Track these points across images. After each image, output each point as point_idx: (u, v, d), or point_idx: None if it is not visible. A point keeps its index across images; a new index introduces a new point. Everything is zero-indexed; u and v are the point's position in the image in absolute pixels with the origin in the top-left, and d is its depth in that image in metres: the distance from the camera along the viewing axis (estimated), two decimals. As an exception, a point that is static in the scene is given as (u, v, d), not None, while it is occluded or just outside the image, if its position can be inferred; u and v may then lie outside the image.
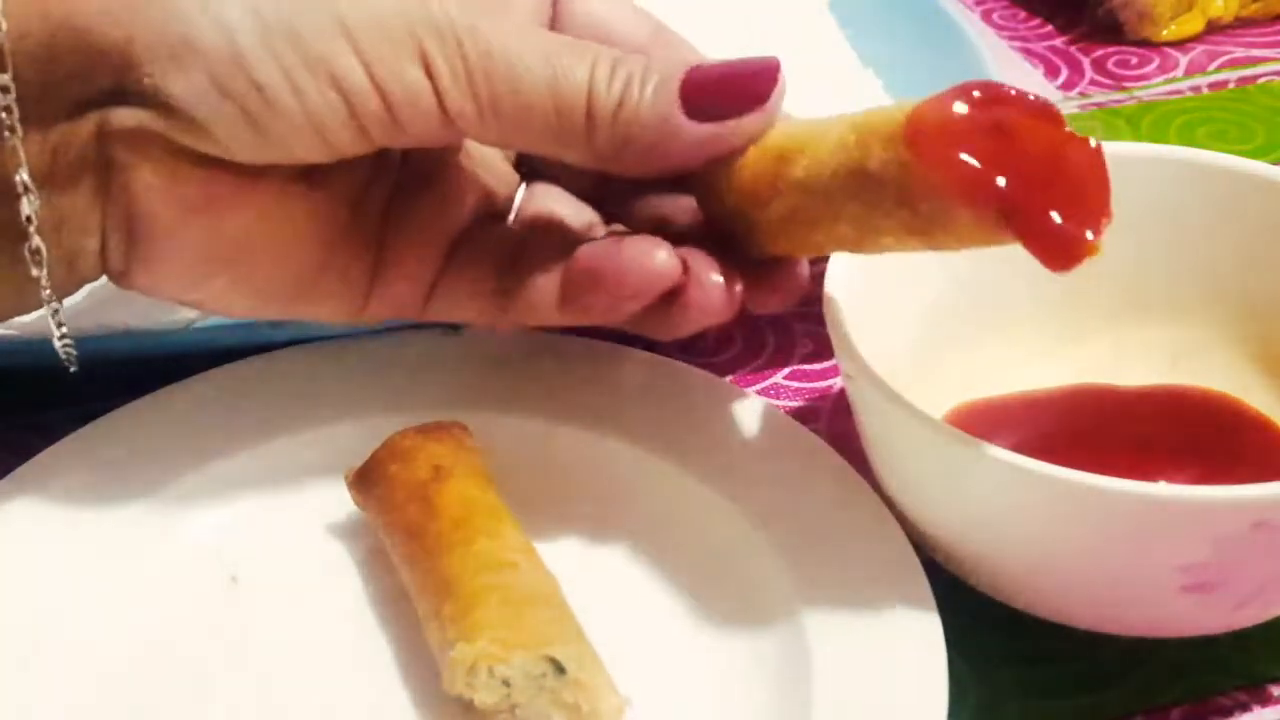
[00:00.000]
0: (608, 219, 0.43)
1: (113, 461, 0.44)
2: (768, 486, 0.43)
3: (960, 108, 0.33)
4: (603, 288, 0.39)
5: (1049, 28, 0.72)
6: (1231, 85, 0.67)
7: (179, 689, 0.40)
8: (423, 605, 0.40)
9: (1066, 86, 0.68)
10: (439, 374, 0.47)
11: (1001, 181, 0.32)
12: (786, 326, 0.54)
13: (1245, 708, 0.41)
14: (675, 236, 0.39)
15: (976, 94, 0.33)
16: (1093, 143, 0.34)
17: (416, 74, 0.36)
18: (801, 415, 0.50)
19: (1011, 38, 0.72)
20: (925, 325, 0.45)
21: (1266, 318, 0.46)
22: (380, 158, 0.40)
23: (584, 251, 0.39)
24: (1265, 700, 0.41)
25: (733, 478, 0.44)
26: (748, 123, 0.37)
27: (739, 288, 0.39)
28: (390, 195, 0.42)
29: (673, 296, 0.39)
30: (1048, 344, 0.47)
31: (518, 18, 0.41)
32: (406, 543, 0.41)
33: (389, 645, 0.42)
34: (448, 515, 0.41)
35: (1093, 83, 0.68)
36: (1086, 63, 0.69)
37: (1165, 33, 0.69)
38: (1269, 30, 0.71)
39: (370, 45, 0.36)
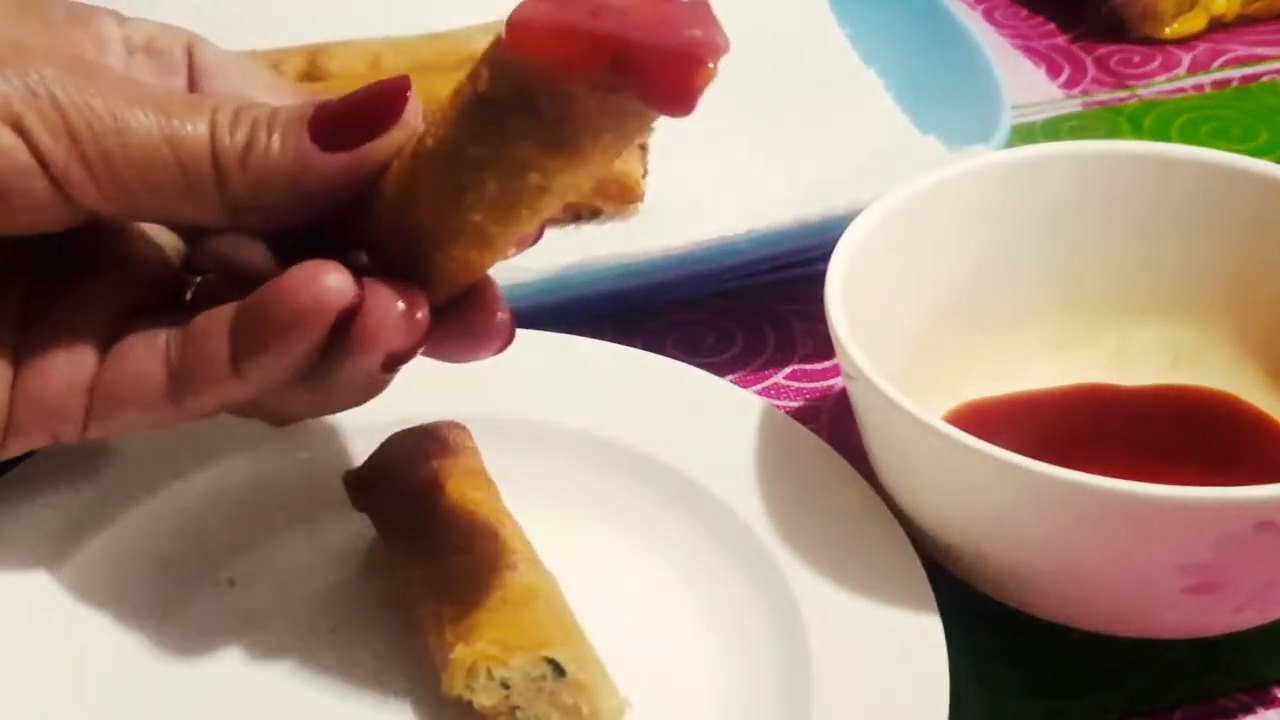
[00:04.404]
0: None
1: (111, 462, 0.44)
2: (768, 487, 0.43)
3: None
4: (273, 319, 0.34)
5: (1051, 26, 0.72)
6: (1234, 84, 0.67)
7: (177, 690, 0.40)
8: (422, 606, 0.40)
9: (1069, 85, 0.68)
10: (438, 374, 0.47)
11: (601, 27, 0.30)
12: (787, 326, 0.54)
13: (1247, 709, 0.41)
14: None
15: None
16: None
17: (5, 134, 0.33)
18: (801, 415, 0.50)
19: (1013, 36, 0.71)
20: (925, 325, 0.45)
21: (1266, 318, 0.45)
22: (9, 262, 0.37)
23: (250, 296, 0.35)
24: (1268, 702, 0.41)
25: (733, 478, 0.44)
26: (385, 141, 0.34)
27: (422, 313, 0.35)
28: (23, 302, 0.37)
29: (348, 329, 0.35)
30: (1048, 344, 0.47)
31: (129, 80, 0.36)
32: (406, 543, 0.41)
33: (389, 646, 0.41)
34: (447, 516, 0.41)
35: (1095, 81, 0.68)
36: (1089, 61, 0.69)
37: (1168, 30, 0.69)
38: (1272, 28, 0.71)
39: None
